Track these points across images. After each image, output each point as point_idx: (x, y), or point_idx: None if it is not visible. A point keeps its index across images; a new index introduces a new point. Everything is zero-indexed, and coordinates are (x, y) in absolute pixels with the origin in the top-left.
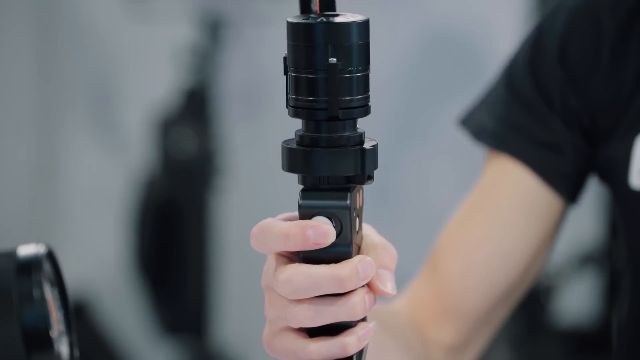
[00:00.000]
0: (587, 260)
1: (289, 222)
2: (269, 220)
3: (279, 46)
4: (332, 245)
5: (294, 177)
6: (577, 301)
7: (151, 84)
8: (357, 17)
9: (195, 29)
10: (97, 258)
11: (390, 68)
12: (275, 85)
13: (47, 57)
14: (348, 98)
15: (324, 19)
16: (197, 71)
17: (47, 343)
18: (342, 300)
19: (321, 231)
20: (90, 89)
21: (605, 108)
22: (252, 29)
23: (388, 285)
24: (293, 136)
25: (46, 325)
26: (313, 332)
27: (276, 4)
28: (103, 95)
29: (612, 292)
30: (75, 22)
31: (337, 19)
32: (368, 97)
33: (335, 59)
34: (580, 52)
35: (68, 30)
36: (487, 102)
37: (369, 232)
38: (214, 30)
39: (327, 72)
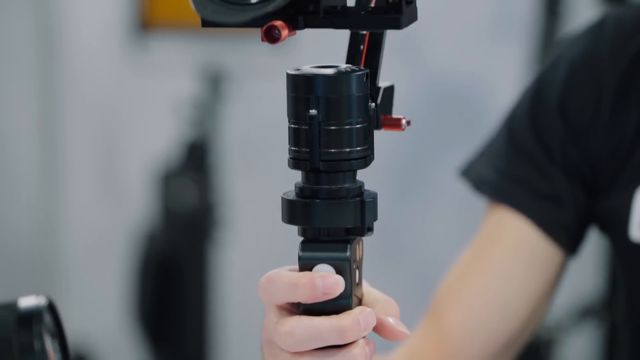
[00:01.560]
0: (586, 313)
1: (297, 272)
2: (276, 270)
3: (279, 99)
4: None
5: (294, 229)
6: (577, 354)
7: (152, 137)
8: (347, 70)
9: (196, 82)
10: (98, 310)
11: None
12: (275, 138)
13: (48, 109)
14: (334, 150)
15: (310, 71)
16: (198, 124)
17: None
18: (343, 352)
19: (330, 281)
20: (91, 141)
21: (606, 160)
22: (253, 83)
23: (402, 327)
24: (293, 188)
25: None
26: None
27: (277, 58)
28: (104, 147)
29: (611, 345)
30: (77, 74)
31: (323, 71)
32: (366, 149)
33: (315, 111)
34: (580, 104)
35: (69, 82)
36: (488, 153)
37: (369, 288)
38: (214, 83)
39: (308, 123)
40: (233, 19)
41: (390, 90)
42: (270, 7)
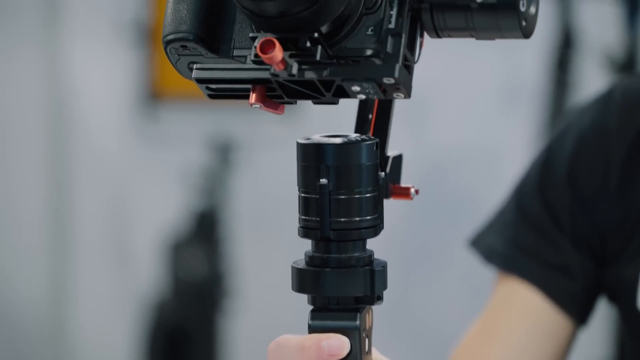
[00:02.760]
0: None
1: (304, 335)
2: (284, 335)
3: (288, 169)
4: None
5: (304, 298)
6: None
7: (161, 206)
8: (358, 139)
9: (206, 152)
10: None
11: None
12: (284, 207)
13: (58, 178)
14: (344, 219)
15: (320, 140)
16: (207, 193)
17: None
18: None
19: (336, 343)
20: (101, 211)
21: (614, 230)
22: (262, 152)
23: None
24: (302, 257)
25: None
26: None
27: (285, 127)
28: (113, 216)
29: None
30: (87, 143)
31: (334, 140)
32: (376, 218)
33: (325, 180)
34: (589, 174)
35: (79, 152)
36: (497, 223)
37: (378, 356)
38: (224, 153)
39: (318, 192)
40: None
41: (398, 159)
42: None
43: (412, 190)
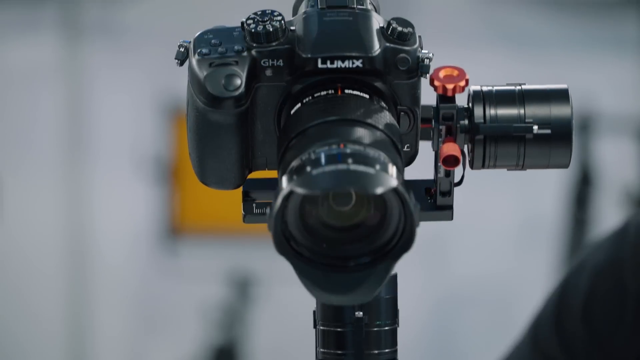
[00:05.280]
0: None
1: None
2: None
3: (307, 304)
4: None
5: None
6: None
7: (180, 341)
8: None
9: (225, 287)
10: None
11: (418, 323)
12: (303, 342)
13: (78, 312)
14: (376, 352)
15: None
16: (226, 328)
17: None
18: None
19: None
20: (121, 346)
21: None
22: (281, 287)
23: None
24: None
25: None
26: None
27: None
28: (133, 351)
29: None
30: (106, 278)
31: None
32: (394, 351)
33: (361, 313)
34: (604, 310)
35: (98, 286)
36: (513, 358)
37: None
38: (243, 288)
39: (353, 325)
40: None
41: None
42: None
43: None
